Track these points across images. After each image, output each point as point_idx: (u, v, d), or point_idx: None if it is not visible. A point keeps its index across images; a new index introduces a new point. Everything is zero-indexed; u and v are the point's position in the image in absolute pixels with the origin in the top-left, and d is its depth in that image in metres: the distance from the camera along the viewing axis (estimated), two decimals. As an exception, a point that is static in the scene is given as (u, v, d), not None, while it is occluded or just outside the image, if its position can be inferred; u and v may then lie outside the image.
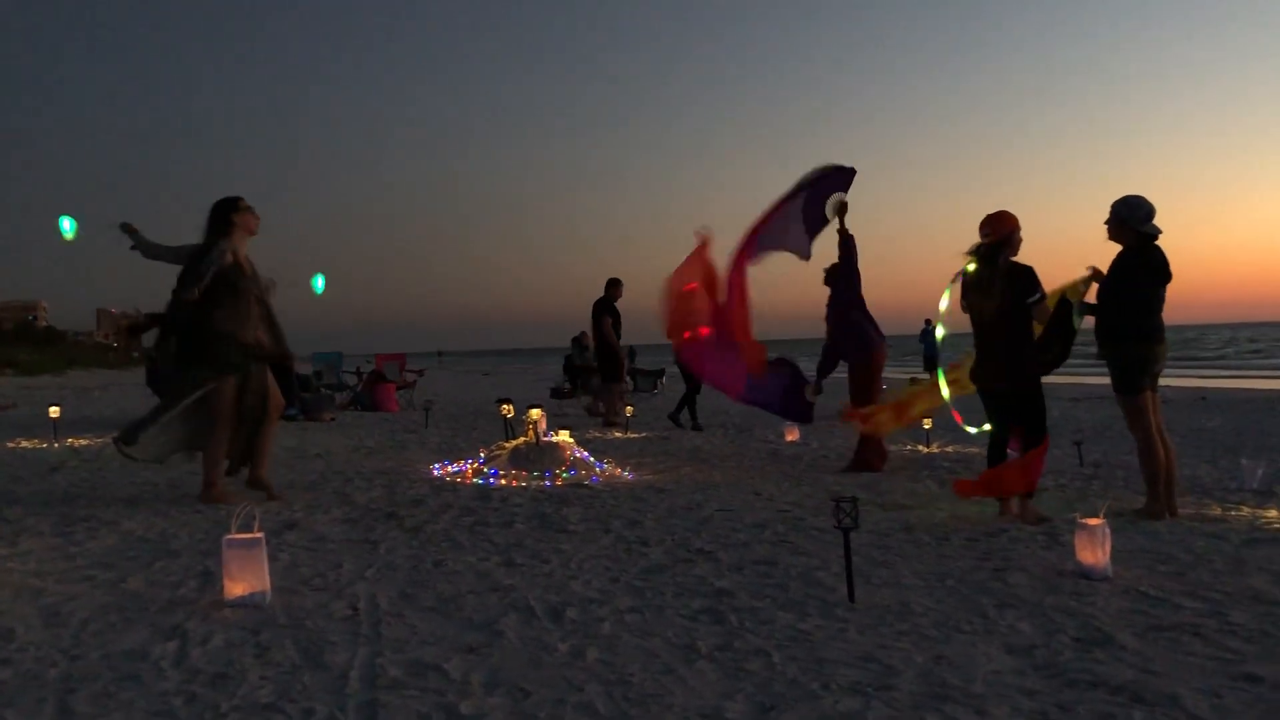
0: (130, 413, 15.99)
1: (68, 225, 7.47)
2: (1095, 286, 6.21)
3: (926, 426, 10.22)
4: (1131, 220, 6.00)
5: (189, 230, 6.71)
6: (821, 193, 8.36)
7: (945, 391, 7.28)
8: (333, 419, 14.53)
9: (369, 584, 4.47)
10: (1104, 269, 6.17)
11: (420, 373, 21.17)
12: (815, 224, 8.45)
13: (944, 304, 6.66)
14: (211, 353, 6.49)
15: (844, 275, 8.60)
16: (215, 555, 4.72)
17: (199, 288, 6.37)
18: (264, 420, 6.74)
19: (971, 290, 6.22)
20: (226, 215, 6.62)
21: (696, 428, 12.60)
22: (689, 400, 12.90)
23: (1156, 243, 6.01)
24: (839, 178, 8.38)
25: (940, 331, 7.37)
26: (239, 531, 4.09)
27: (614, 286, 13.60)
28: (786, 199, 8.26)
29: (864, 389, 8.51)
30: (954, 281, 6.43)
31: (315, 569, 4.77)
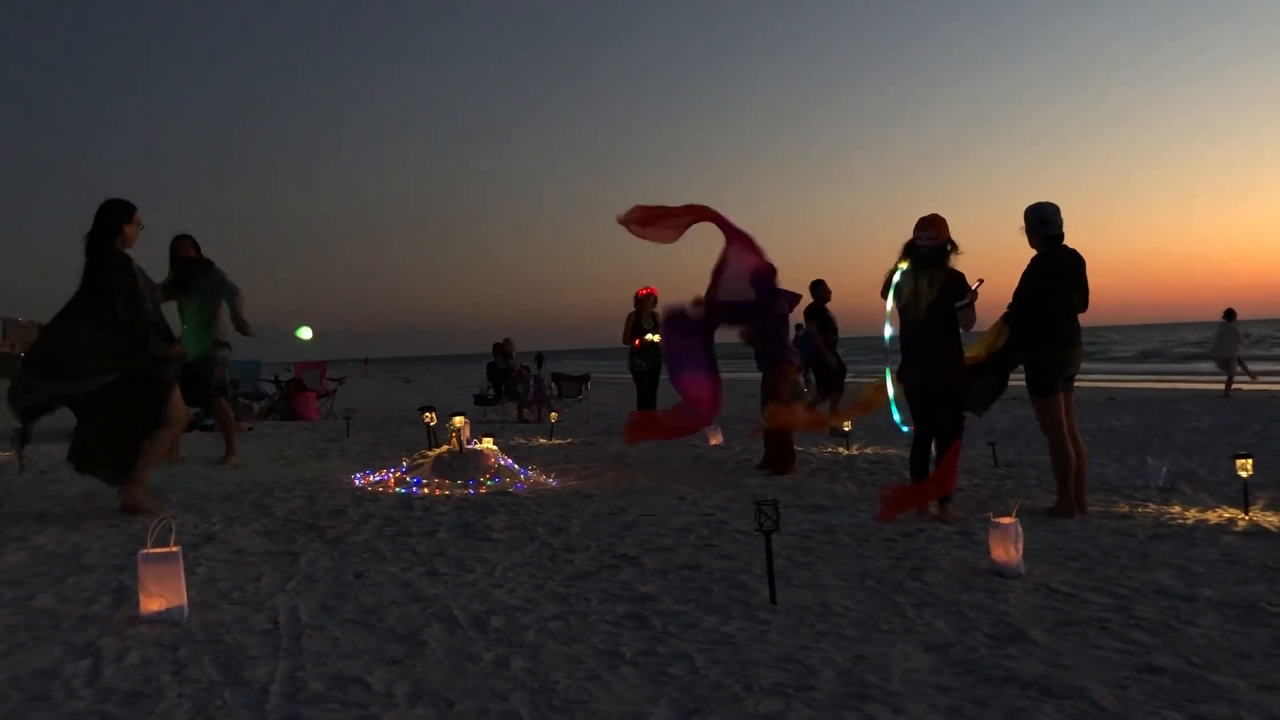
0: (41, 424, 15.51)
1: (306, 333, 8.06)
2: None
3: (846, 429, 10.39)
4: (1038, 227, 6.20)
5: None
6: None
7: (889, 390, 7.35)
8: (250, 428, 14.23)
9: (289, 597, 4.41)
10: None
11: (340, 380, 20.88)
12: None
13: (890, 304, 6.58)
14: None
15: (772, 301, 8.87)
16: (130, 570, 4.62)
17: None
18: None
19: (907, 290, 6.29)
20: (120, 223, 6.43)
21: None
22: (644, 405, 12.82)
23: (1071, 247, 6.20)
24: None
25: (889, 331, 7.14)
26: (155, 545, 4.00)
27: (820, 289, 12.24)
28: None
29: (773, 392, 8.82)
30: (891, 280, 6.42)
31: (234, 582, 4.69)
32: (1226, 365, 18.96)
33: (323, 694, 3.15)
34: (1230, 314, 18.84)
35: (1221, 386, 19.13)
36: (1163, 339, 71.18)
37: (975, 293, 6.12)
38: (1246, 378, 19.16)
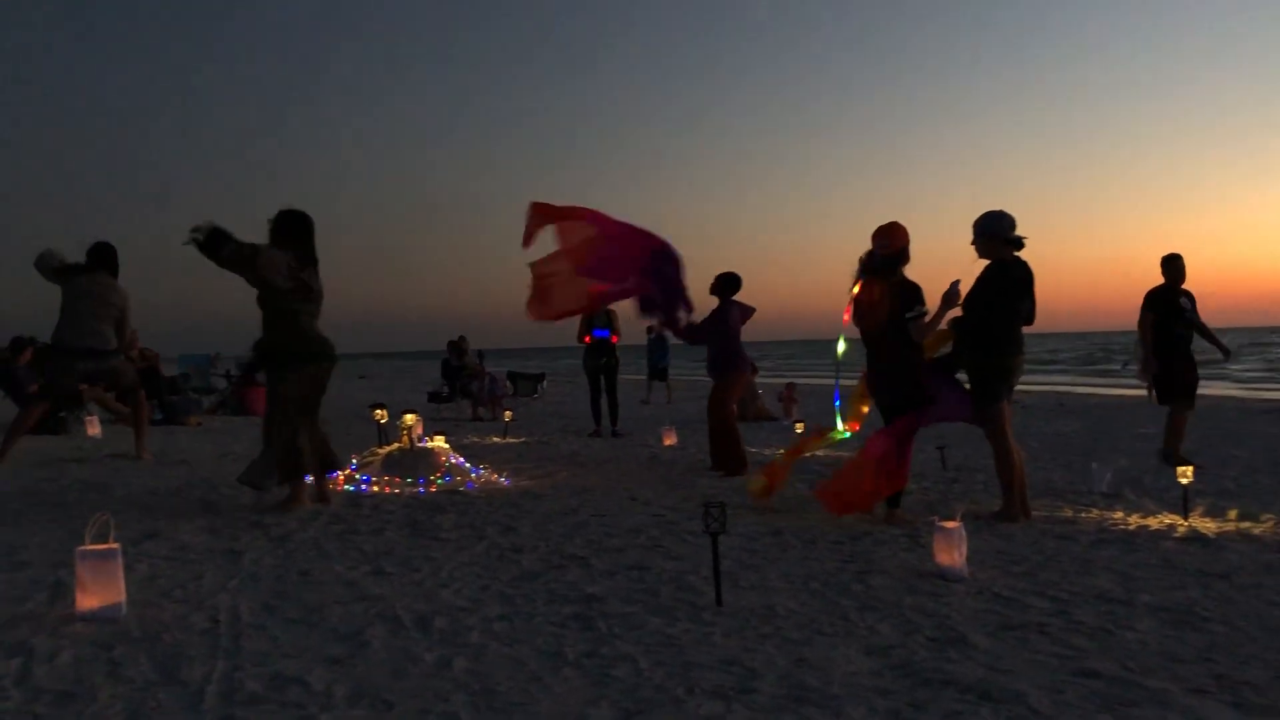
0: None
1: None
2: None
3: (799, 431, 10.45)
4: (1000, 231, 6.21)
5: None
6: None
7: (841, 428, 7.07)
8: (199, 424, 14.08)
9: (231, 595, 4.36)
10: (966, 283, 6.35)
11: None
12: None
13: (848, 318, 6.51)
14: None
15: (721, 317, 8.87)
16: (68, 566, 4.54)
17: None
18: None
19: (863, 302, 6.28)
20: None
21: (613, 433, 12.57)
22: (596, 403, 12.85)
23: (1022, 258, 6.25)
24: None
25: (841, 346, 6.90)
26: (93, 541, 3.94)
27: (1173, 264, 9.17)
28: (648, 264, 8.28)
29: (723, 399, 8.92)
30: (851, 292, 6.41)
31: (175, 580, 4.62)
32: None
33: (260, 694, 3.11)
34: None
35: (1147, 394, 19.63)
36: (1104, 344, 72.54)
37: (942, 295, 6.07)
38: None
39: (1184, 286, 9.10)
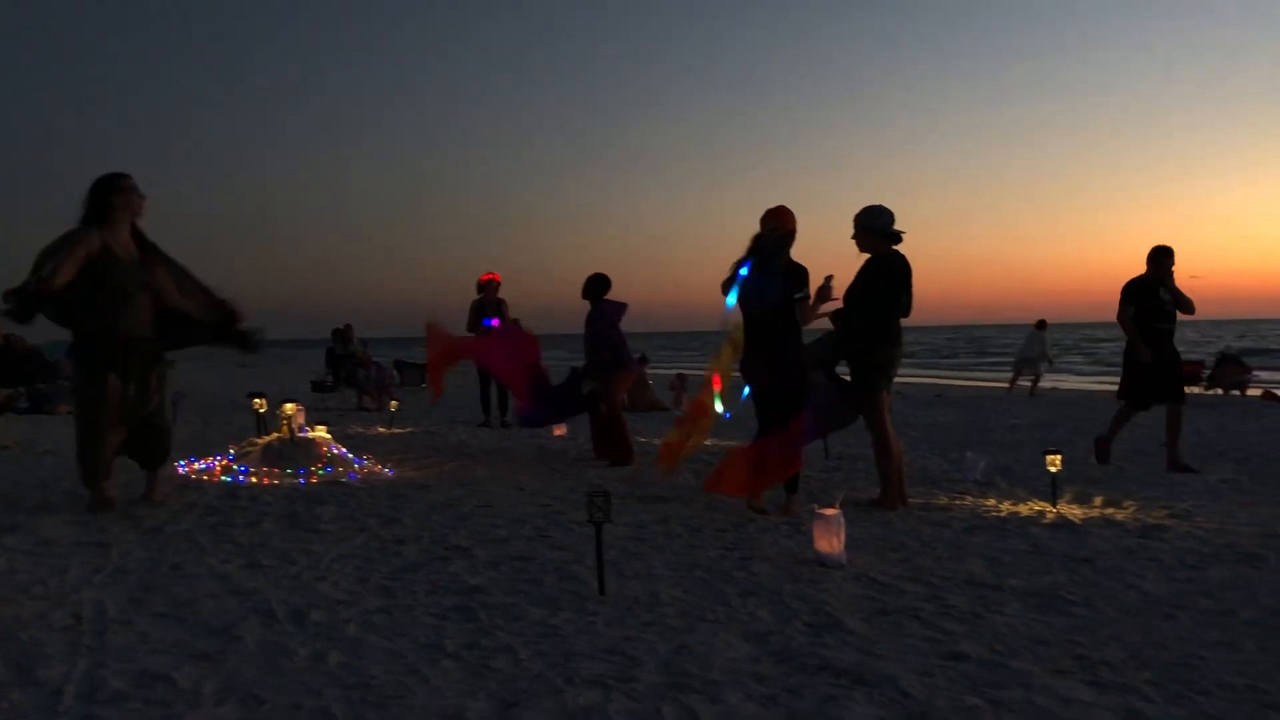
0: None
1: None
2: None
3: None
4: (878, 226, 6.34)
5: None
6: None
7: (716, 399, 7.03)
8: (69, 412, 13.48)
9: (96, 590, 4.19)
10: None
11: (170, 363, 19.95)
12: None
13: (733, 300, 6.42)
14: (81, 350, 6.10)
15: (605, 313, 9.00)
16: (-84, 563, 4.31)
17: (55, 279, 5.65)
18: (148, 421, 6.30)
19: (751, 283, 6.28)
20: (102, 197, 5.93)
21: (502, 424, 12.52)
22: (486, 394, 12.90)
23: (900, 252, 6.39)
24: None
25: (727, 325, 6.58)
26: (-57, 537, 3.74)
27: (1162, 259, 8.48)
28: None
29: (607, 390, 8.96)
30: (733, 273, 6.37)
31: (36, 575, 4.42)
32: (1026, 366, 20.54)
33: (124, 692, 3.00)
34: (1042, 324, 20.26)
35: (1009, 386, 20.99)
36: (970, 336, 75.43)
37: (816, 290, 6.17)
38: (1029, 380, 20.61)
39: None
